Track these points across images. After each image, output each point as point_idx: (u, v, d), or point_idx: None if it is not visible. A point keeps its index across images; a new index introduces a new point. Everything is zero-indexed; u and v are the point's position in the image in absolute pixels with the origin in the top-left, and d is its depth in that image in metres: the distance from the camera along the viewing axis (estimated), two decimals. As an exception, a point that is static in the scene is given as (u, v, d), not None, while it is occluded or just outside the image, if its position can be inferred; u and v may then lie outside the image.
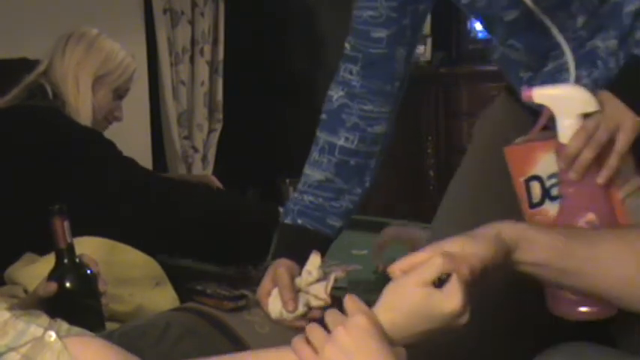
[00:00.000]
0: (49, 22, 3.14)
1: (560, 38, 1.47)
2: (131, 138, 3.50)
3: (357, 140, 1.59)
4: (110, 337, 1.51)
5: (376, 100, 1.59)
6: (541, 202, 1.43)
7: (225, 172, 3.45)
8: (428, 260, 1.15)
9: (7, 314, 1.17)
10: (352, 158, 1.59)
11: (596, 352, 1.33)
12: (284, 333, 1.56)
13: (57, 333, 1.17)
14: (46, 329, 1.17)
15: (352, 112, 1.59)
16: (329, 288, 1.50)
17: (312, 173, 1.60)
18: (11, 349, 1.13)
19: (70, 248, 1.67)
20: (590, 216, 1.34)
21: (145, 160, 3.76)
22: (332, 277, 1.51)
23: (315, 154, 1.61)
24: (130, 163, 2.42)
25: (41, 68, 2.49)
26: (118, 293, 2.01)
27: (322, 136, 1.61)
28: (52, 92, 2.44)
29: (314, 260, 1.52)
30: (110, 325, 1.78)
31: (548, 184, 1.42)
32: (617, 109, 1.34)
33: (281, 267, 1.52)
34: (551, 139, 1.38)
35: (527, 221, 1.42)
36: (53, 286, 1.65)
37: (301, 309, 1.50)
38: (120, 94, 2.57)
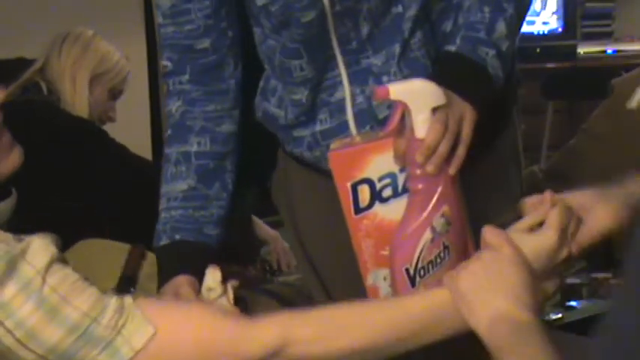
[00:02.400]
0: (48, 21, 3.13)
1: (337, 50, 1.46)
2: (131, 138, 3.49)
3: (209, 142, 1.53)
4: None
5: (216, 99, 1.54)
6: (369, 206, 1.40)
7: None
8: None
9: (95, 289, 1.18)
10: (209, 161, 1.53)
11: None
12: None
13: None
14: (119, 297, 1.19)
15: (196, 117, 1.53)
16: (231, 298, 1.44)
17: (173, 187, 1.52)
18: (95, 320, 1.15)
19: None
20: (445, 208, 1.34)
21: (145, 160, 3.76)
22: (229, 288, 1.45)
23: (170, 169, 1.53)
24: (124, 157, 2.42)
25: (37, 66, 2.51)
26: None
27: (173, 150, 1.54)
28: (47, 89, 2.46)
29: (214, 275, 1.44)
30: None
31: (379, 186, 1.39)
32: (457, 100, 1.36)
33: (184, 286, 1.44)
34: (385, 139, 1.38)
35: (349, 228, 1.42)
36: None
37: None
38: (114, 94, 2.61)
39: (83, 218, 1.78)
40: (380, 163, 1.39)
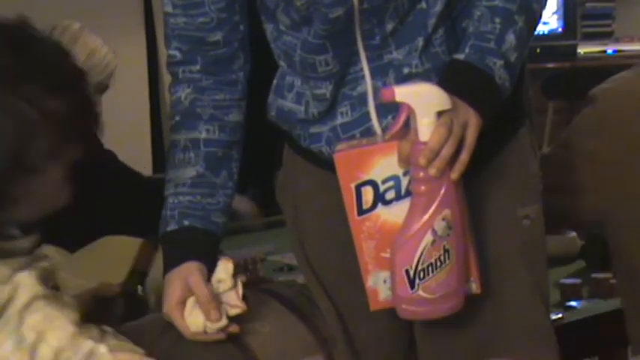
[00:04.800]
0: (47, 22, 3.13)
1: (360, 45, 1.47)
2: (131, 138, 3.49)
3: (217, 130, 1.54)
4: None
5: (225, 89, 1.55)
6: (372, 208, 1.42)
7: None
8: None
9: (72, 328, 1.21)
10: (218, 149, 1.54)
11: None
12: (286, 332, 1.56)
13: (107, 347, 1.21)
14: (97, 343, 1.21)
15: (205, 105, 1.54)
16: (241, 293, 1.46)
17: (182, 172, 1.53)
18: None
19: None
20: (446, 212, 1.35)
21: (145, 160, 3.76)
22: (239, 282, 1.47)
23: (178, 155, 1.53)
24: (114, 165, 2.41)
25: None
26: None
27: (181, 137, 1.54)
28: None
29: (226, 267, 1.46)
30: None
31: (382, 188, 1.41)
32: (462, 106, 1.37)
33: (194, 274, 1.45)
34: (391, 142, 1.39)
35: (352, 229, 1.43)
36: None
37: (224, 319, 1.44)
38: (100, 89, 2.58)
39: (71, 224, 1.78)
40: (384, 166, 1.40)
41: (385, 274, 1.43)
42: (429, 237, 1.35)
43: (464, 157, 1.35)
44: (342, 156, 1.42)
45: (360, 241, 1.43)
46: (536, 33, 1.60)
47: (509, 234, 1.54)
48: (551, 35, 4.85)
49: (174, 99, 1.56)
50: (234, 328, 1.46)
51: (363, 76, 1.49)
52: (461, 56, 1.42)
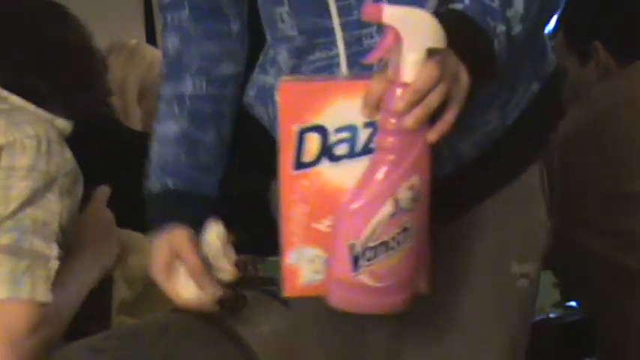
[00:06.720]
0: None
1: (336, 22, 1.23)
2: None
3: (205, 84, 1.42)
4: (109, 338, 1.50)
5: (216, 39, 1.42)
6: (315, 162, 1.12)
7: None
8: None
9: None
10: (206, 105, 1.42)
11: None
12: (285, 333, 1.56)
13: None
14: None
15: (192, 55, 1.42)
16: (232, 258, 1.37)
17: (166, 127, 1.43)
18: None
19: None
20: (415, 179, 1.07)
21: (145, 159, 3.76)
22: (230, 246, 1.38)
23: (163, 109, 1.44)
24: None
25: None
26: None
27: (167, 90, 1.44)
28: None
29: (215, 229, 1.36)
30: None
31: (333, 139, 1.11)
32: (453, 57, 1.09)
33: (180, 238, 1.36)
34: (354, 81, 1.13)
35: (282, 186, 1.14)
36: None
37: (218, 289, 1.36)
38: None
39: None
40: (341, 110, 1.11)
41: (314, 253, 1.15)
42: (388, 207, 1.07)
43: (449, 116, 1.09)
44: (289, 87, 1.14)
45: (288, 203, 1.15)
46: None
47: (497, 297, 1.30)
48: (551, 35, 4.86)
49: (163, 48, 1.47)
50: (225, 295, 1.40)
51: (338, 64, 1.25)
52: (459, 6, 1.15)
